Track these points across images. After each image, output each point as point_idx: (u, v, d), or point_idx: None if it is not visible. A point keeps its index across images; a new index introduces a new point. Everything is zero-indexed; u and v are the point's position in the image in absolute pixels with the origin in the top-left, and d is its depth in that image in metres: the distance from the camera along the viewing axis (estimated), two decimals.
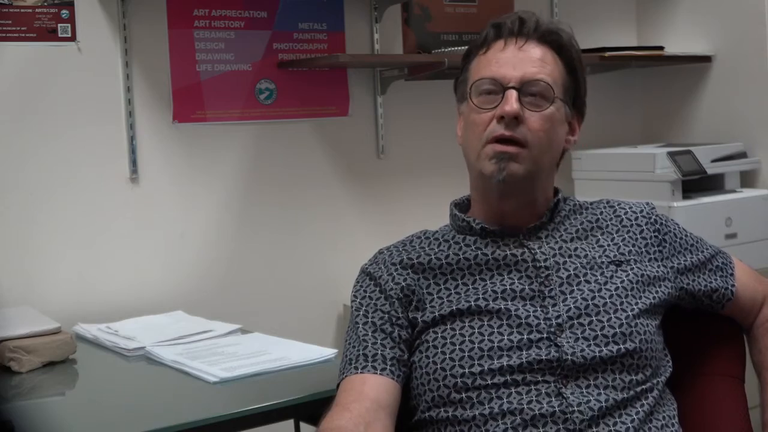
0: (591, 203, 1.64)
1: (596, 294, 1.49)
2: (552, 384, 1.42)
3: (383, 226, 3.04)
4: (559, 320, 1.46)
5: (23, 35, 2.48)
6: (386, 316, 1.52)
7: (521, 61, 1.52)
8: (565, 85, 1.56)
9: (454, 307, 1.49)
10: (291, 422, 1.90)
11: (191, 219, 2.74)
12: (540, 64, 1.53)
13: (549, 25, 1.56)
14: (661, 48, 3.44)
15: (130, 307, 2.52)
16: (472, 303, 1.49)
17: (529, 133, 1.50)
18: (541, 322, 1.46)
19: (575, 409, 1.39)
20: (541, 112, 1.51)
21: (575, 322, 1.46)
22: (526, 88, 1.51)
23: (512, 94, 1.50)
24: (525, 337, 1.44)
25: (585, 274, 1.51)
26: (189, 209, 2.74)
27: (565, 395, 1.41)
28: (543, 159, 1.53)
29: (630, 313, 1.48)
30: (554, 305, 1.48)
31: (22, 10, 2.47)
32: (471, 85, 1.55)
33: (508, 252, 1.53)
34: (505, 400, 1.41)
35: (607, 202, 1.64)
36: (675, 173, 3.01)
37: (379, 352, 1.49)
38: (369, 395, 1.43)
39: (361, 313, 1.54)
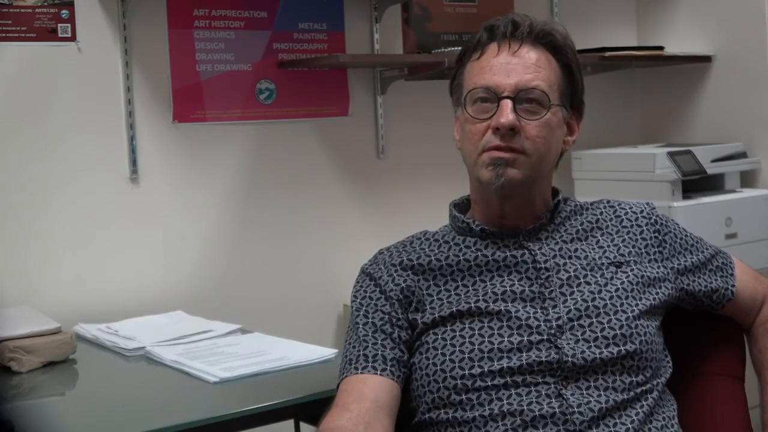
0: (591, 203, 1.63)
1: (596, 295, 1.49)
2: (552, 385, 1.42)
3: (383, 226, 3.04)
4: (560, 322, 1.46)
5: (23, 35, 2.47)
6: (386, 316, 1.52)
7: (515, 67, 1.50)
8: (561, 87, 1.54)
9: (453, 309, 1.49)
10: (291, 422, 1.90)
11: (191, 219, 2.74)
12: (535, 69, 1.51)
13: (543, 27, 1.54)
14: (661, 48, 3.44)
15: (130, 307, 2.51)
16: (472, 305, 1.48)
17: (527, 141, 1.49)
18: (542, 323, 1.46)
19: (575, 410, 1.39)
20: (538, 120, 1.50)
21: (575, 323, 1.46)
22: (521, 96, 1.49)
23: (507, 105, 1.48)
24: (525, 338, 1.44)
25: (585, 276, 1.51)
26: (189, 209, 2.74)
27: (565, 396, 1.41)
28: (542, 164, 1.52)
29: (630, 315, 1.48)
30: (554, 307, 1.47)
31: (22, 10, 2.47)
32: (465, 94, 1.54)
33: (508, 253, 1.53)
34: (505, 401, 1.41)
35: (608, 202, 1.63)
36: (675, 173, 3.00)
37: (380, 352, 1.48)
38: (369, 396, 1.43)
39: (362, 313, 1.54)
